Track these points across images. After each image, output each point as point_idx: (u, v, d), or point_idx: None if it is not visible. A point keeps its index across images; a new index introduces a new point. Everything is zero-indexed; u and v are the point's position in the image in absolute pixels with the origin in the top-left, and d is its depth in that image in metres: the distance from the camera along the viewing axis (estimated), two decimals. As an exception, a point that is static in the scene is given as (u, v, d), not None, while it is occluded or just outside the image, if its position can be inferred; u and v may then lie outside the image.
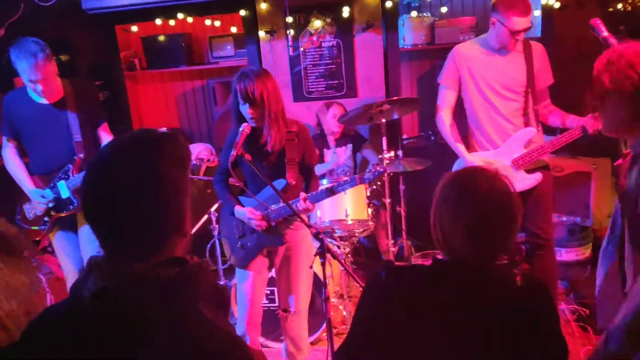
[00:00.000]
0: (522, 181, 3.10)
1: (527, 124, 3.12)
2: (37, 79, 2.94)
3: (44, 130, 3.15)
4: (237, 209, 2.75)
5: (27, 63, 2.88)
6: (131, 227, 1.11)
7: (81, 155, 3.18)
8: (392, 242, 3.66)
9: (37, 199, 3.18)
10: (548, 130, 3.39)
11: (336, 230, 3.62)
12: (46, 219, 3.25)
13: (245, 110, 2.55)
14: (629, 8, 4.70)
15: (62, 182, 3.20)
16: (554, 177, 3.35)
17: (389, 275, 1.55)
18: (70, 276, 3.41)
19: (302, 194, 2.60)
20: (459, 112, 3.36)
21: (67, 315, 1.13)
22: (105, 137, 3.35)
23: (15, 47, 2.92)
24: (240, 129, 2.55)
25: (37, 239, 3.36)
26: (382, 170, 2.69)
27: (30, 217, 3.28)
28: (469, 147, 3.26)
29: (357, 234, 3.70)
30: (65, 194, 3.20)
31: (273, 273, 2.98)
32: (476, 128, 3.22)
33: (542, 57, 3.12)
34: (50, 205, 3.21)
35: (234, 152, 2.49)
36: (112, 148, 1.17)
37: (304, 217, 2.56)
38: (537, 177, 3.09)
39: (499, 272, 1.52)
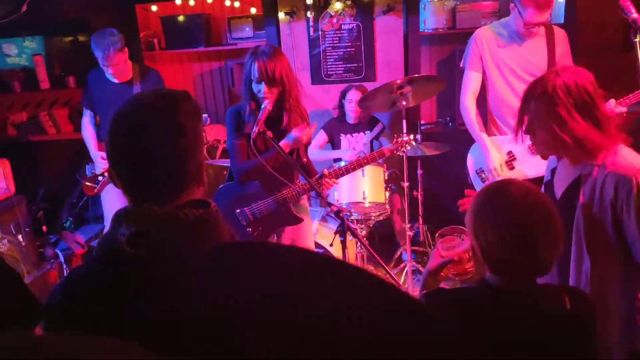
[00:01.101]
0: (539, 166, 3.06)
1: (547, 109, 3.09)
2: (108, 65, 3.55)
3: (112, 104, 3.35)
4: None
5: (100, 53, 3.50)
6: (156, 173, 1.17)
7: None
8: (408, 226, 3.65)
9: (97, 160, 3.80)
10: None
11: (353, 213, 3.61)
12: (100, 178, 3.82)
13: (260, 88, 2.52)
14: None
15: None
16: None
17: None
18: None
19: (324, 170, 2.60)
20: (479, 97, 3.32)
21: (107, 265, 1.14)
22: None
23: (94, 36, 3.54)
24: (263, 106, 2.54)
25: (90, 193, 3.94)
26: (406, 140, 2.68)
27: (89, 175, 3.89)
28: (488, 131, 3.22)
29: (373, 217, 3.70)
30: None
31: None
32: (496, 111, 3.19)
33: (564, 43, 3.07)
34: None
35: (255, 129, 2.48)
36: (134, 102, 1.23)
37: (323, 195, 2.56)
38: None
39: (547, 296, 1.49)
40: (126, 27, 4.84)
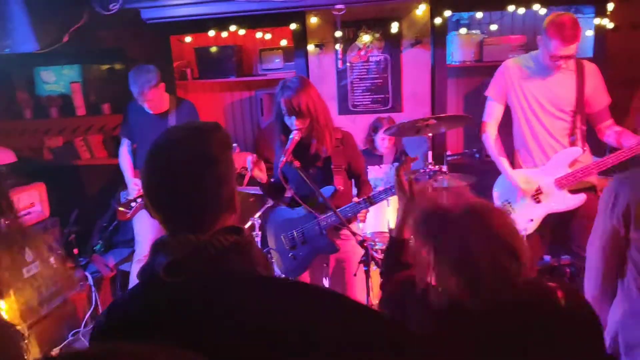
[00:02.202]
0: (565, 201, 3.05)
1: (573, 143, 3.08)
2: (143, 100, 3.76)
3: (148, 134, 3.62)
4: None
5: (136, 89, 3.71)
6: (191, 204, 1.23)
7: None
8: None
9: (130, 185, 3.98)
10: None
11: (377, 243, 3.63)
12: (133, 204, 3.83)
13: (292, 122, 2.60)
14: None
15: None
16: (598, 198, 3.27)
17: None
18: (141, 253, 4.05)
19: (355, 198, 2.64)
20: (505, 129, 3.34)
21: (147, 292, 1.21)
22: None
23: (132, 72, 3.74)
24: (291, 136, 2.60)
25: (122, 218, 3.89)
26: (434, 170, 2.72)
27: (123, 201, 3.92)
28: (514, 164, 3.23)
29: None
30: None
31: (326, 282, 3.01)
32: (522, 144, 3.19)
33: (596, 77, 3.06)
34: (141, 191, 3.71)
35: (283, 159, 2.54)
36: (168, 137, 1.29)
37: (351, 226, 2.59)
38: (581, 198, 3.03)
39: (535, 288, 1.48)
40: (160, 57, 5.02)
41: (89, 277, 4.34)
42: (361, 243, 2.36)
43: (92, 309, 4.24)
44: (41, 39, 3.58)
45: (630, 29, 4.58)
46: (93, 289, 4.31)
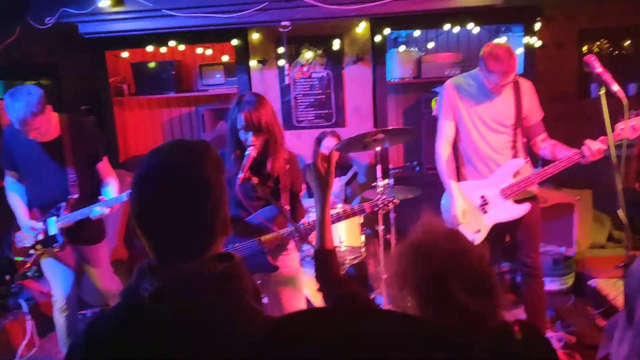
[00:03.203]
0: (511, 211, 3.18)
1: (515, 156, 3.22)
2: (27, 130, 2.91)
3: (38, 167, 3.15)
4: None
5: (16, 119, 2.86)
6: (184, 230, 1.17)
7: (75, 196, 3.15)
8: (384, 269, 3.70)
9: (26, 231, 3.20)
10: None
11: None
12: (31, 251, 3.24)
13: (248, 137, 2.57)
14: (601, 49, 4.99)
15: (53, 218, 3.17)
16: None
17: None
18: (59, 300, 3.34)
19: (304, 220, 2.63)
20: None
21: (128, 316, 1.15)
22: (105, 172, 3.30)
23: (7, 95, 2.87)
24: (247, 153, 2.57)
25: (23, 269, 3.30)
26: (390, 199, 2.77)
27: (19, 246, 3.28)
28: (460, 176, 3.33)
29: (348, 260, 3.74)
30: (52, 230, 3.16)
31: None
32: (467, 158, 3.30)
33: (531, 93, 3.23)
34: (40, 237, 3.19)
35: (241, 175, 2.50)
36: (159, 161, 1.21)
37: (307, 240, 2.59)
38: (526, 207, 3.17)
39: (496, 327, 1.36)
40: (96, 72, 4.86)
41: (23, 304, 4.08)
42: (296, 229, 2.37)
43: (27, 338, 3.98)
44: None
45: (556, 47, 4.89)
46: (28, 316, 4.05)
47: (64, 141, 3.11)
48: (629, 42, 5.03)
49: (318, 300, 3.40)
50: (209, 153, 1.23)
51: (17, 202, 3.25)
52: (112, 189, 3.24)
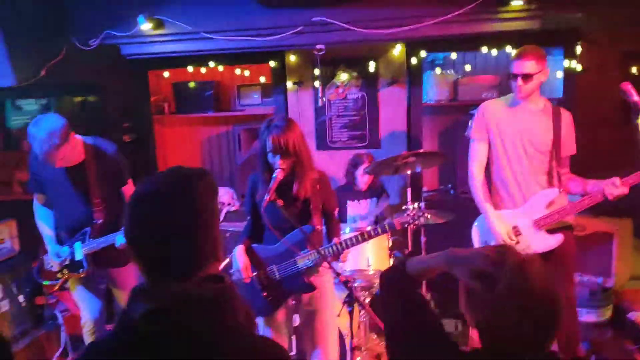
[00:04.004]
0: (544, 241, 3.09)
1: (550, 184, 3.14)
2: (53, 163, 2.96)
3: (63, 192, 3.20)
4: (237, 253, 2.82)
5: (40, 150, 2.88)
6: (175, 252, 1.22)
7: (100, 221, 3.19)
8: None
9: (52, 258, 3.27)
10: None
11: (357, 280, 3.62)
12: (59, 275, 3.30)
13: (276, 160, 2.62)
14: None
15: (79, 243, 3.23)
16: (575, 237, 3.34)
17: None
18: (87, 323, 3.46)
19: (336, 239, 2.64)
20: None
21: (123, 337, 1.19)
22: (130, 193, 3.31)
23: (32, 126, 2.90)
24: (274, 176, 2.61)
25: (51, 292, 3.45)
26: (420, 214, 2.76)
27: (47, 269, 3.36)
28: (492, 203, 3.28)
29: (376, 284, 3.70)
30: (79, 256, 3.23)
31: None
32: (500, 185, 3.24)
33: (570, 125, 3.15)
34: (66, 263, 3.26)
35: (267, 197, 2.54)
36: (152, 185, 1.28)
37: (333, 264, 2.59)
38: (559, 238, 3.08)
39: None
40: (138, 91, 5.02)
41: (59, 315, 4.20)
42: (345, 283, 2.35)
43: (61, 349, 4.10)
44: (19, 73, 3.54)
45: (598, 71, 4.76)
46: (62, 328, 4.17)
47: (88, 166, 3.14)
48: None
49: (342, 324, 3.38)
50: (202, 177, 1.28)
51: (44, 227, 3.32)
52: None
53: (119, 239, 3.08)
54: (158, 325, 1.14)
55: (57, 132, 2.86)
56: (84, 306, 3.41)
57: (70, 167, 3.12)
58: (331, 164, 4.74)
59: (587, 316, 3.85)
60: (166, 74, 5.14)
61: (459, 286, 1.56)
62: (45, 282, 3.36)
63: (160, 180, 1.29)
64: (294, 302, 2.92)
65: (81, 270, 3.24)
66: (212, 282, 1.22)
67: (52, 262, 3.29)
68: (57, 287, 3.32)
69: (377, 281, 3.66)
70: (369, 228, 2.80)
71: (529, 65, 2.95)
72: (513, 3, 3.59)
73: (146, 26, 3.96)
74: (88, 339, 3.46)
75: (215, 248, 1.28)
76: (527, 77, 2.96)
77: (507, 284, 1.47)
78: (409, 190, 3.59)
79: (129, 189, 3.32)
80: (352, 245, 2.73)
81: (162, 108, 5.30)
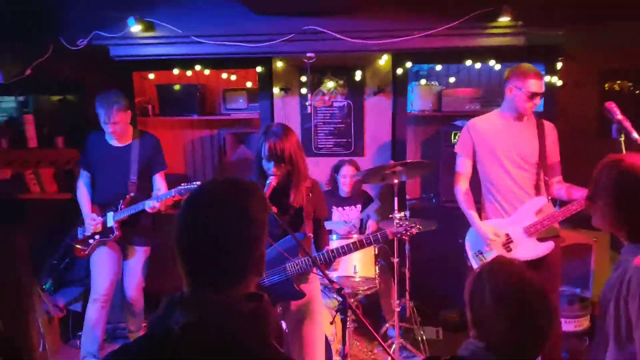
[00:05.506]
0: (535, 249, 3.18)
1: (538, 193, 3.24)
2: (109, 122, 3.63)
3: (108, 168, 3.80)
4: None
5: (103, 110, 3.62)
6: (221, 263, 1.22)
7: (132, 194, 3.76)
8: (397, 302, 3.71)
9: (87, 221, 3.79)
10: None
11: (344, 287, 3.65)
12: (90, 240, 3.81)
13: (269, 166, 2.63)
14: (622, 87, 5.00)
15: (111, 212, 3.77)
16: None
17: None
18: (95, 291, 3.82)
19: (328, 247, 2.66)
20: (473, 181, 3.48)
21: (156, 346, 1.19)
22: (159, 182, 3.88)
23: (99, 95, 3.66)
24: (268, 182, 2.63)
25: (81, 255, 3.90)
26: (412, 225, 2.80)
27: (80, 237, 3.87)
28: (482, 214, 3.36)
29: (361, 291, 3.75)
30: (109, 222, 3.77)
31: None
32: (490, 195, 3.33)
33: (554, 134, 3.29)
34: (98, 227, 3.76)
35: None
36: (208, 190, 1.30)
37: (325, 271, 2.61)
38: (549, 245, 3.18)
39: None
40: (122, 92, 4.95)
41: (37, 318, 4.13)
42: (339, 291, 2.37)
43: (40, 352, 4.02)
44: (6, 73, 3.48)
45: (576, 86, 4.91)
46: (41, 330, 4.08)
47: (133, 148, 3.79)
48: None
49: (329, 332, 3.41)
50: (256, 191, 1.31)
51: (85, 199, 3.86)
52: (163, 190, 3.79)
53: (147, 204, 3.62)
54: (198, 337, 1.15)
55: (121, 98, 3.65)
56: (98, 272, 3.82)
57: (117, 147, 3.76)
58: (316, 170, 4.76)
59: (565, 326, 3.95)
60: (151, 75, 5.10)
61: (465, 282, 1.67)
62: (78, 246, 3.86)
63: (216, 186, 1.31)
64: (280, 309, 2.93)
65: (111, 235, 3.77)
66: (250, 300, 1.22)
67: (86, 228, 3.80)
68: (89, 251, 3.81)
69: (361, 288, 3.70)
70: (362, 237, 2.83)
71: (543, 84, 3.09)
72: (500, 19, 3.68)
73: (136, 28, 3.93)
74: (90, 308, 3.82)
75: (259, 263, 1.29)
76: (542, 95, 3.11)
77: (502, 288, 1.55)
78: (395, 200, 3.64)
79: (159, 177, 3.88)
80: (345, 253, 2.76)
81: (147, 110, 5.26)
